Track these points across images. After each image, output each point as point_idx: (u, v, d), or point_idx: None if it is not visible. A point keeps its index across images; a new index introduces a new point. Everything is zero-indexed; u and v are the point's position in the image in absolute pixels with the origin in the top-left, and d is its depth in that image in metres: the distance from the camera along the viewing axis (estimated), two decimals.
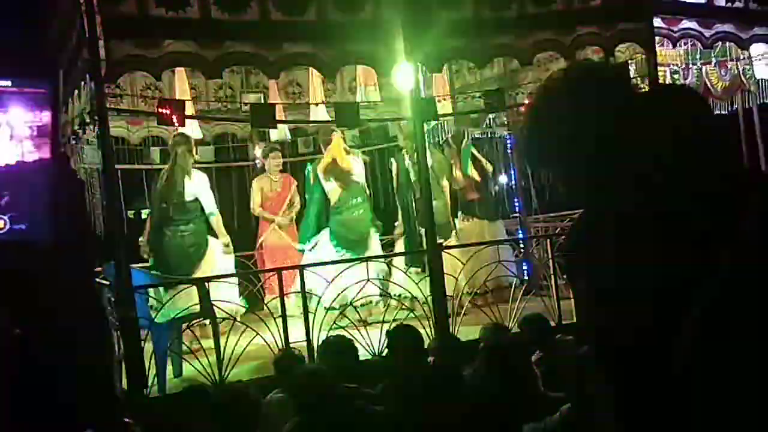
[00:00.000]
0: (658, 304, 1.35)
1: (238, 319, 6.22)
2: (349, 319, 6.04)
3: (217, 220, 6.94)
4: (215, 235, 6.96)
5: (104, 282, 5.55)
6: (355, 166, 7.39)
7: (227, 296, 6.32)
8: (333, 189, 7.32)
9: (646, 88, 6.07)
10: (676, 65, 7.63)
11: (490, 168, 8.31)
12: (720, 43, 7.21)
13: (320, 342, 5.36)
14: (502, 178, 9.02)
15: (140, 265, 6.52)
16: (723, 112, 8.43)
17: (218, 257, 6.95)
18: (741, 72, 8.18)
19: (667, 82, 6.97)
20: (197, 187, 6.82)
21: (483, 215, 8.02)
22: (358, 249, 7.14)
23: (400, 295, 6.59)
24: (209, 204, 6.89)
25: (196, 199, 6.80)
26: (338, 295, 6.26)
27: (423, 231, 6.37)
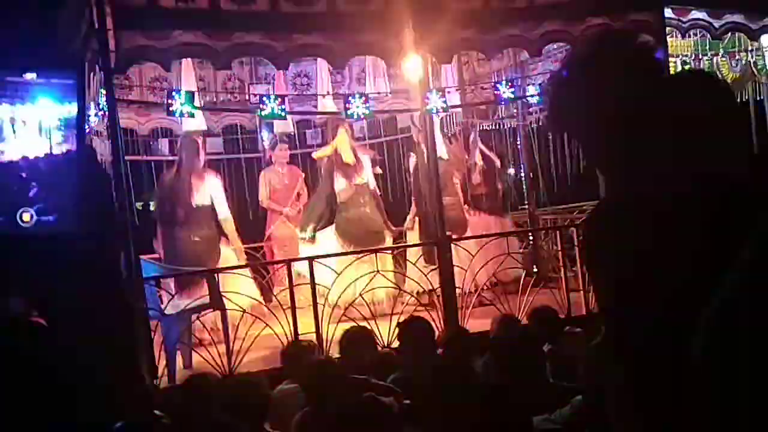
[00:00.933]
0: (676, 293, 1.33)
1: (248, 311, 6.22)
2: (359, 311, 6.04)
3: (230, 226, 6.74)
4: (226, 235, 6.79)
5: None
6: (362, 163, 7.33)
7: (246, 290, 6.27)
8: (343, 188, 7.29)
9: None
10: (686, 56, 7.58)
11: (498, 162, 8.29)
12: (729, 33, 7.16)
13: (332, 333, 5.41)
14: (511, 171, 8.99)
15: (150, 256, 6.52)
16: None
17: (234, 261, 6.77)
18: (752, 63, 8.12)
19: (689, 68, 6.93)
20: (209, 190, 6.63)
21: (490, 209, 8.01)
22: (365, 246, 7.04)
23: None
24: (222, 208, 6.70)
25: (208, 203, 6.63)
26: (345, 288, 6.27)
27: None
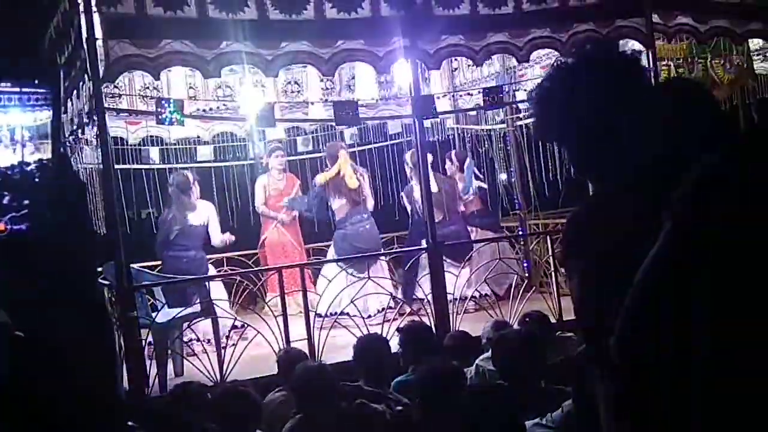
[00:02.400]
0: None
1: (238, 318, 6.23)
2: (351, 317, 6.05)
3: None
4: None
5: (104, 282, 5.56)
6: (363, 185, 7.38)
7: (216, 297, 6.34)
8: (340, 206, 7.30)
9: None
10: (679, 59, 7.60)
11: (485, 185, 8.37)
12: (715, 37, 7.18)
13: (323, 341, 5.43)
14: (503, 176, 9.02)
15: (140, 264, 6.52)
16: (724, 107, 8.42)
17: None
18: (744, 66, 8.16)
19: (674, 75, 6.96)
20: (205, 216, 6.96)
21: (484, 225, 8.06)
22: (363, 265, 6.95)
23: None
24: (215, 235, 7.07)
25: (203, 225, 6.94)
26: (336, 296, 6.30)
27: None
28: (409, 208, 7.69)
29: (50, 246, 2.15)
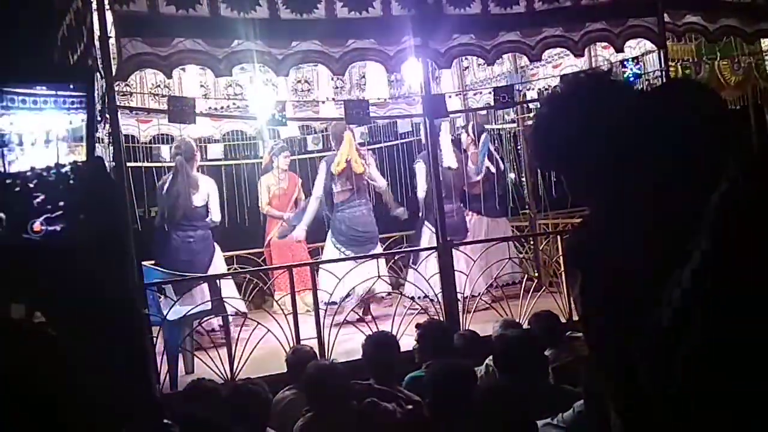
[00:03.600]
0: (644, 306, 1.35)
1: (249, 315, 6.25)
2: (357, 313, 6.09)
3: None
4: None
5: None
6: (370, 171, 7.40)
7: (229, 294, 6.41)
8: (343, 190, 7.32)
9: (658, 84, 6.06)
10: (687, 60, 7.58)
11: (501, 166, 8.31)
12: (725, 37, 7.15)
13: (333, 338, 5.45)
14: (512, 175, 9.00)
15: (151, 262, 6.55)
16: (734, 107, 8.38)
17: (222, 262, 7.15)
18: (754, 66, 8.12)
19: (674, 78, 6.93)
20: (205, 194, 6.92)
21: (486, 212, 8.02)
22: (361, 248, 7.15)
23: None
24: (215, 212, 7.00)
25: (204, 205, 6.90)
26: (347, 294, 6.32)
27: None
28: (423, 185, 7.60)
29: (86, 249, 2.16)
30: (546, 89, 7.92)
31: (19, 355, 1.62)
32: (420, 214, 7.70)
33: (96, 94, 5.48)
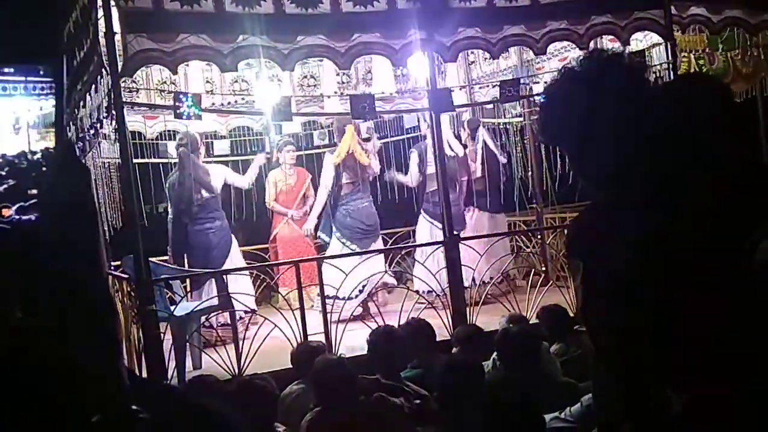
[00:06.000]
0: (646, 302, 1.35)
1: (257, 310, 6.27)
2: (364, 308, 6.09)
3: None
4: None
5: (122, 275, 5.60)
6: (373, 162, 7.41)
7: (244, 288, 6.40)
8: (348, 182, 7.33)
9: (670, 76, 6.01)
10: (698, 51, 7.52)
11: (503, 160, 8.30)
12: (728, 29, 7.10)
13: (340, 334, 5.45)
14: (518, 169, 8.98)
15: (159, 258, 6.55)
16: (740, 99, 8.32)
17: (238, 251, 7.13)
18: (764, 59, 8.05)
19: (686, 72, 6.88)
20: (222, 176, 6.98)
21: (485, 207, 8.02)
22: (365, 240, 7.15)
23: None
24: (241, 182, 7.29)
25: (215, 196, 6.88)
26: (354, 288, 6.33)
27: None
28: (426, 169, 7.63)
29: (51, 233, 2.16)
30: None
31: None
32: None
33: (65, 79, 5.42)
